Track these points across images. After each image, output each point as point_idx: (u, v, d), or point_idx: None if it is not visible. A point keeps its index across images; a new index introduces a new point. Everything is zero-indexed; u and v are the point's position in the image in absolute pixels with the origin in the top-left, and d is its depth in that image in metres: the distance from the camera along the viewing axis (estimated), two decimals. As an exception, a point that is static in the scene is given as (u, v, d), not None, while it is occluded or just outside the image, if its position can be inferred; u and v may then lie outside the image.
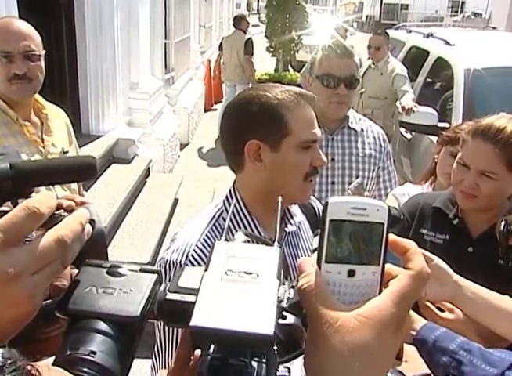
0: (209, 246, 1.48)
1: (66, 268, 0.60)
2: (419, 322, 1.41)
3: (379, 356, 0.56)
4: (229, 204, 1.60)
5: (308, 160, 1.52)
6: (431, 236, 1.99)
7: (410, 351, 1.26)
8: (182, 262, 1.45)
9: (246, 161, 1.54)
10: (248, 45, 9.32)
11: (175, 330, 1.46)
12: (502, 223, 1.73)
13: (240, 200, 1.59)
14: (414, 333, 1.37)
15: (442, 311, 1.62)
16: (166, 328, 1.49)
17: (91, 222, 0.64)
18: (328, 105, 2.50)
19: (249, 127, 1.53)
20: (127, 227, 4.99)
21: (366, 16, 41.21)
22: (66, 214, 0.62)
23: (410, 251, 0.60)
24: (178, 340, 1.44)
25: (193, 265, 1.44)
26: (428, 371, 0.93)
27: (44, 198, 0.57)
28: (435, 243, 1.96)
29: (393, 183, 2.81)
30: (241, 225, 1.56)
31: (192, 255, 1.46)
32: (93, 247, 0.72)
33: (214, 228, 1.54)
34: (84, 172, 0.80)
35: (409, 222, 2.04)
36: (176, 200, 6.02)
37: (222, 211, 1.59)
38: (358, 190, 2.37)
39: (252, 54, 9.44)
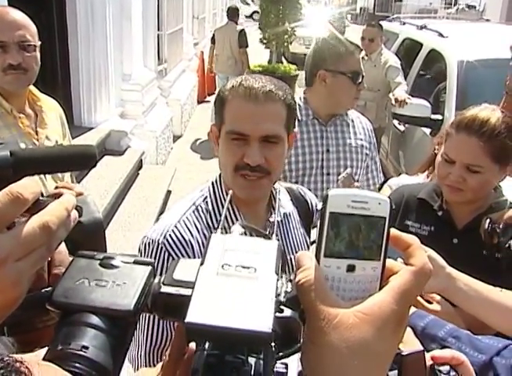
0: (187, 228, 1.54)
1: (52, 254, 0.58)
2: None
3: (378, 353, 0.54)
4: (213, 190, 1.64)
5: (238, 153, 1.50)
6: (416, 228, 1.99)
7: (407, 332, 1.26)
8: (160, 241, 1.50)
9: None
10: (242, 37, 9.27)
11: (150, 319, 1.48)
12: (487, 221, 1.73)
13: (223, 187, 1.63)
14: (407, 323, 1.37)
15: (430, 303, 1.62)
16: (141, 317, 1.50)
17: (78, 208, 0.62)
18: (353, 101, 2.63)
19: (214, 113, 1.61)
20: (119, 219, 4.99)
21: (360, 8, 41.09)
22: (51, 199, 0.60)
23: (412, 247, 0.59)
24: (149, 326, 1.47)
25: (170, 245, 1.50)
26: (422, 348, 0.94)
27: (28, 183, 0.56)
28: (420, 234, 1.96)
29: (378, 172, 2.88)
30: (221, 212, 1.59)
31: (170, 235, 1.51)
32: (91, 237, 0.71)
33: (195, 211, 1.59)
34: (84, 161, 0.79)
35: (394, 213, 2.04)
36: (169, 192, 6.01)
37: (206, 197, 1.63)
38: (348, 181, 2.37)
39: (247, 46, 9.40)
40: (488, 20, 8.82)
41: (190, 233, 1.53)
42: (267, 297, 0.52)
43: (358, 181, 2.60)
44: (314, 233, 1.72)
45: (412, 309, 1.41)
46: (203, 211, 1.59)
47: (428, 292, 1.59)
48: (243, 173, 1.50)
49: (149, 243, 1.52)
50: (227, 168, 1.53)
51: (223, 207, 1.59)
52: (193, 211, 1.59)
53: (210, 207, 1.60)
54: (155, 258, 1.49)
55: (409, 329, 1.21)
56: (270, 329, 0.49)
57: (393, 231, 0.58)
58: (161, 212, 5.40)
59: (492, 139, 1.76)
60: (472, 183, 1.81)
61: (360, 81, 2.55)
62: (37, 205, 0.57)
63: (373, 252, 0.57)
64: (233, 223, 1.62)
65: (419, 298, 1.61)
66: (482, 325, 1.52)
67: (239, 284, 0.53)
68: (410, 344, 1.14)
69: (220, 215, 1.58)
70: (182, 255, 1.49)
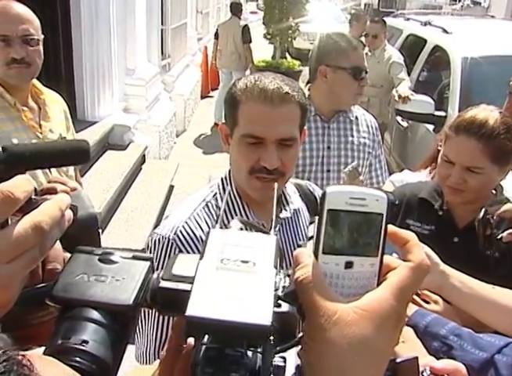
0: (198, 224, 1.53)
1: (44, 255, 0.56)
2: (410, 308, 1.41)
3: (378, 350, 0.54)
4: (223, 186, 1.63)
5: (253, 156, 1.48)
6: (417, 227, 1.99)
7: (407, 332, 1.27)
8: (170, 238, 1.49)
9: None
10: (246, 33, 9.25)
11: (159, 317, 1.49)
12: (482, 212, 1.74)
13: (233, 184, 1.62)
14: (405, 319, 1.37)
15: (427, 303, 1.62)
16: (149, 315, 1.51)
17: (73, 207, 0.61)
18: (354, 97, 2.60)
19: (224, 111, 1.60)
20: (122, 214, 4.99)
21: (365, 4, 40.89)
22: (47, 197, 0.59)
23: (410, 243, 0.59)
24: (159, 322, 1.47)
25: (181, 241, 1.49)
26: (415, 354, 0.93)
27: (19, 182, 0.54)
28: (421, 233, 1.96)
29: (384, 171, 2.84)
30: (231, 210, 1.58)
31: (180, 231, 1.50)
32: (85, 233, 0.71)
33: (205, 207, 1.58)
34: (76, 156, 0.79)
35: (395, 212, 2.04)
36: (171, 187, 6.01)
37: (216, 193, 1.62)
38: (353, 174, 2.36)
39: (250, 41, 9.38)
40: (493, 17, 8.77)
41: (201, 229, 1.53)
42: (266, 290, 0.53)
43: (363, 176, 2.59)
44: (311, 228, 1.72)
45: (414, 308, 1.41)
46: (213, 208, 1.59)
47: (422, 289, 1.60)
48: (258, 176, 1.49)
49: (159, 239, 1.51)
50: (241, 170, 1.52)
51: (233, 203, 1.59)
52: (203, 208, 1.58)
53: (220, 203, 1.59)
54: (165, 255, 1.48)
55: (410, 329, 1.21)
56: (269, 322, 0.49)
57: (390, 227, 0.58)
58: (164, 207, 5.41)
59: (491, 141, 1.77)
60: (472, 184, 1.81)
61: (362, 76, 2.54)
62: (29, 205, 0.55)
63: (370, 249, 0.57)
64: (242, 217, 1.62)
65: (415, 297, 1.61)
66: (478, 323, 1.53)
67: (239, 278, 0.53)
68: (412, 344, 1.14)
69: (230, 211, 1.58)
70: (193, 251, 1.48)
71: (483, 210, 1.74)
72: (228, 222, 0.69)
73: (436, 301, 1.61)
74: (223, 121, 1.62)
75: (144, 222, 4.82)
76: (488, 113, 1.81)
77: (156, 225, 4.99)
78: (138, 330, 1.55)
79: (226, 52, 9.39)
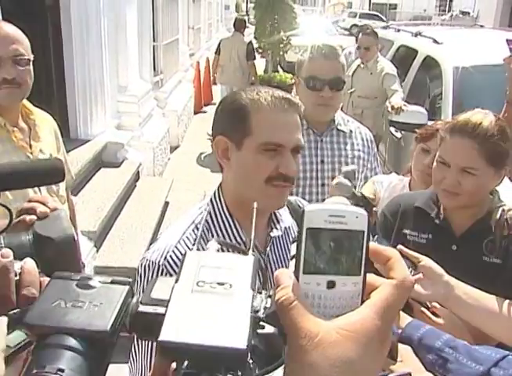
0: (188, 248, 1.49)
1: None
2: (404, 319, 1.39)
3: (362, 370, 0.53)
4: (212, 207, 1.59)
5: (271, 164, 1.47)
6: (414, 236, 1.97)
7: (405, 350, 1.25)
8: (160, 263, 1.45)
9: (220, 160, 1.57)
10: (250, 50, 9.33)
11: (152, 345, 1.45)
12: (499, 212, 1.71)
13: (223, 203, 1.58)
14: (399, 331, 1.35)
15: (437, 316, 1.60)
16: (142, 344, 1.48)
17: None
18: (314, 107, 2.50)
19: (219, 124, 1.56)
20: (117, 231, 4.96)
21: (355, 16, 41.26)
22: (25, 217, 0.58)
23: (392, 260, 0.58)
24: (153, 350, 1.42)
25: (171, 266, 1.44)
26: (409, 370, 0.91)
27: None
28: (418, 242, 1.95)
29: None
30: (222, 229, 1.55)
31: (170, 256, 1.46)
32: (63, 255, 0.69)
33: (195, 230, 1.54)
34: (50, 175, 0.78)
35: (391, 222, 2.03)
36: (166, 204, 5.99)
37: (205, 214, 1.58)
38: (350, 175, 2.30)
39: (254, 58, 9.45)
40: (482, 26, 8.83)
41: None
42: (242, 313, 0.51)
43: (358, 181, 2.55)
44: (293, 248, 1.69)
45: (409, 319, 1.39)
46: (202, 229, 1.54)
47: (429, 301, 1.58)
48: (275, 183, 1.48)
49: (148, 265, 1.46)
50: (256, 180, 1.49)
51: (224, 224, 1.56)
52: (193, 230, 1.54)
53: (210, 224, 1.56)
54: None
55: (408, 348, 1.20)
56: (245, 346, 0.48)
57: (372, 245, 0.57)
58: (159, 224, 5.38)
59: (485, 142, 1.77)
60: (467, 187, 1.80)
61: (320, 87, 2.46)
62: None
63: (353, 267, 0.55)
64: (234, 238, 1.59)
65: (424, 310, 1.60)
66: (488, 337, 1.51)
67: (214, 301, 0.52)
68: (409, 363, 1.12)
69: (221, 230, 1.54)
70: None
71: (500, 210, 1.72)
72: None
73: (445, 315, 1.59)
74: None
75: (139, 240, 4.79)
76: (482, 115, 1.82)
77: (152, 243, 4.95)
78: (131, 359, 1.51)
79: (229, 69, 9.34)
